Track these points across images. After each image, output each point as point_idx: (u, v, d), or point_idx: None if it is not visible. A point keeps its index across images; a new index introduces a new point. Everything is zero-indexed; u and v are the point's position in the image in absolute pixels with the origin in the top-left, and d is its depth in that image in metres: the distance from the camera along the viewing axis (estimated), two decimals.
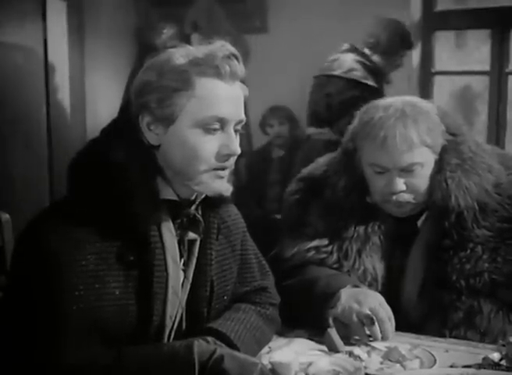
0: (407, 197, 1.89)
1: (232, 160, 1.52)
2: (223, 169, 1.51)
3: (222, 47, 1.50)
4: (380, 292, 1.87)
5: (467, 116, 4.79)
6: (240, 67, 1.51)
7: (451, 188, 1.86)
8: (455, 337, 1.83)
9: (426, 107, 1.91)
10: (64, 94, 4.71)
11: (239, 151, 1.51)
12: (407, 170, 1.87)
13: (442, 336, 1.83)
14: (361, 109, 1.95)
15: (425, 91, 4.49)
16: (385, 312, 1.77)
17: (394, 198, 1.89)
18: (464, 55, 4.84)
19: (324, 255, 1.96)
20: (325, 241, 1.97)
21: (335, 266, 1.95)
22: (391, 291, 1.93)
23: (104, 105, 4.66)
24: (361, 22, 4.05)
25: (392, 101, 1.91)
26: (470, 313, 1.84)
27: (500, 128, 4.42)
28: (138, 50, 4.84)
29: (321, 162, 2.12)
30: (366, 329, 1.77)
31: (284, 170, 4.45)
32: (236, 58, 1.50)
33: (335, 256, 1.95)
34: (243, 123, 1.54)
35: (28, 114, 4.54)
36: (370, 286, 1.92)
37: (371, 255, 1.95)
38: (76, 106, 4.79)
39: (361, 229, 1.96)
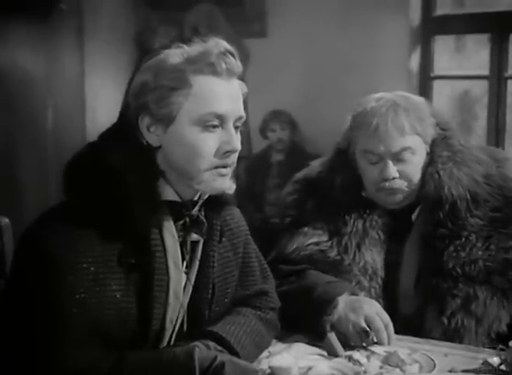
0: (400, 183, 1.95)
1: (234, 157, 1.51)
2: (225, 166, 1.50)
3: (216, 44, 1.49)
4: (380, 284, 1.93)
5: (467, 120, 4.80)
6: (236, 63, 1.50)
7: (443, 179, 1.93)
8: (453, 329, 1.86)
9: (417, 100, 2.00)
10: (63, 98, 4.71)
11: (239, 147, 1.51)
12: (399, 157, 1.92)
13: (441, 323, 1.87)
14: (354, 104, 2.01)
15: (424, 96, 4.48)
16: (381, 320, 1.77)
17: (387, 184, 1.94)
18: (463, 60, 4.84)
19: (324, 249, 1.99)
20: (325, 237, 2.01)
21: (336, 258, 1.97)
22: (389, 283, 1.97)
23: (104, 109, 4.66)
24: (361, 26, 4.05)
25: (384, 94, 1.99)
26: (466, 300, 1.88)
27: (500, 132, 4.41)
28: (138, 54, 4.84)
29: (316, 164, 2.17)
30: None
31: (283, 175, 4.45)
32: (232, 55, 1.50)
33: (335, 251, 1.99)
34: (243, 120, 1.54)
35: (33, 118, 4.55)
36: (370, 279, 1.96)
37: (370, 249, 1.99)
38: (76, 110, 4.78)
39: (360, 224, 2.00)
